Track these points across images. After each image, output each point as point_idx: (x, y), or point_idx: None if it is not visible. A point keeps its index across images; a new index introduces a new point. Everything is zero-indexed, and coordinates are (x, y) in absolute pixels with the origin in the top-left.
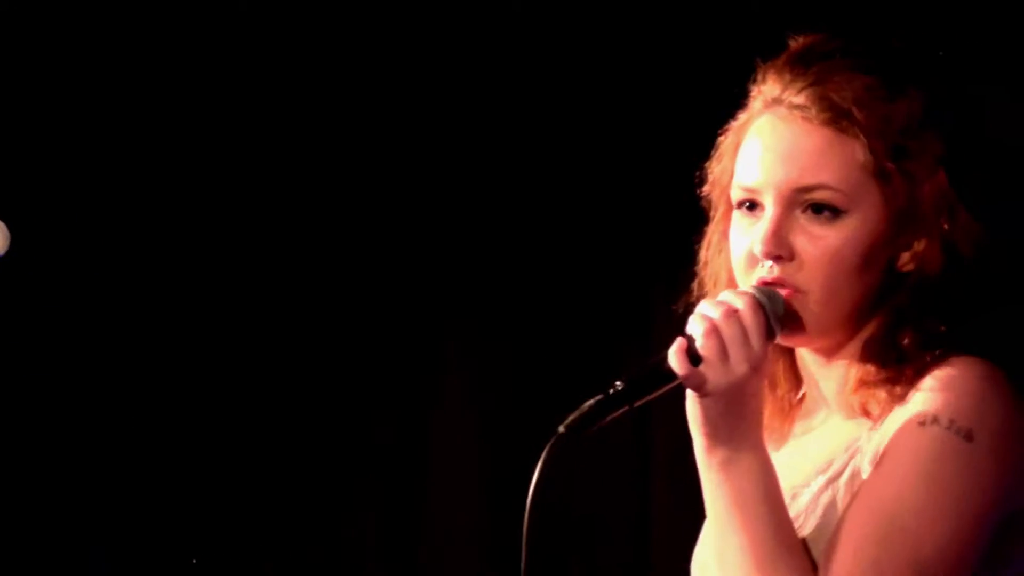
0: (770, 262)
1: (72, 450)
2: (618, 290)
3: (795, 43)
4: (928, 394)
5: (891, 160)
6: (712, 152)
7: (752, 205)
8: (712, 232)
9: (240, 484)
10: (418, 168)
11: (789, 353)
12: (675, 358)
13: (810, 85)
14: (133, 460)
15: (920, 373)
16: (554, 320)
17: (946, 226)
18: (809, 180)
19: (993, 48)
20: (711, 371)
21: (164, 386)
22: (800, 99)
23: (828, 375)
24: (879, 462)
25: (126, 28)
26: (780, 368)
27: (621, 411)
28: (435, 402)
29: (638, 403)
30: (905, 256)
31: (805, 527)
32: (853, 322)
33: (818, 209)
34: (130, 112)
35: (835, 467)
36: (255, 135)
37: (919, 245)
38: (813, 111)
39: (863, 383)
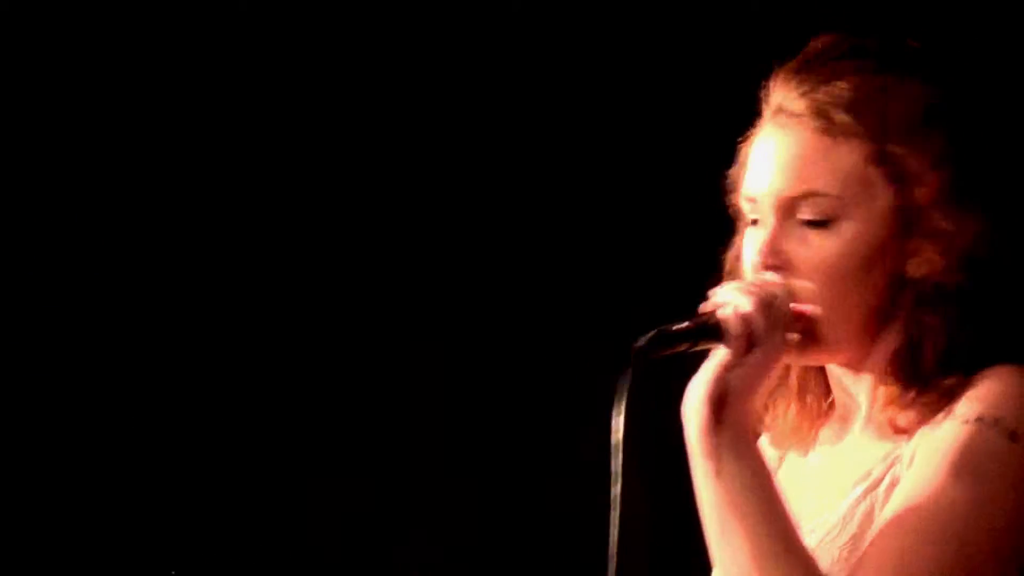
0: (771, 273)
1: (48, 451)
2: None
3: (808, 46)
4: (968, 399)
5: (885, 163)
6: (734, 160)
7: (757, 215)
8: (738, 240)
9: (218, 490)
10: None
11: None
12: (734, 319)
13: (808, 92)
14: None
15: (953, 390)
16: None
17: (951, 228)
18: (800, 189)
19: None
20: (757, 346)
21: (143, 392)
22: (797, 106)
23: (858, 386)
24: (919, 460)
25: (120, 26)
26: (811, 375)
27: (684, 347)
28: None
29: (696, 348)
30: (913, 262)
31: (841, 536)
32: (870, 330)
33: (813, 217)
34: (120, 112)
35: (874, 476)
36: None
37: (924, 250)
38: (807, 117)
39: (891, 402)
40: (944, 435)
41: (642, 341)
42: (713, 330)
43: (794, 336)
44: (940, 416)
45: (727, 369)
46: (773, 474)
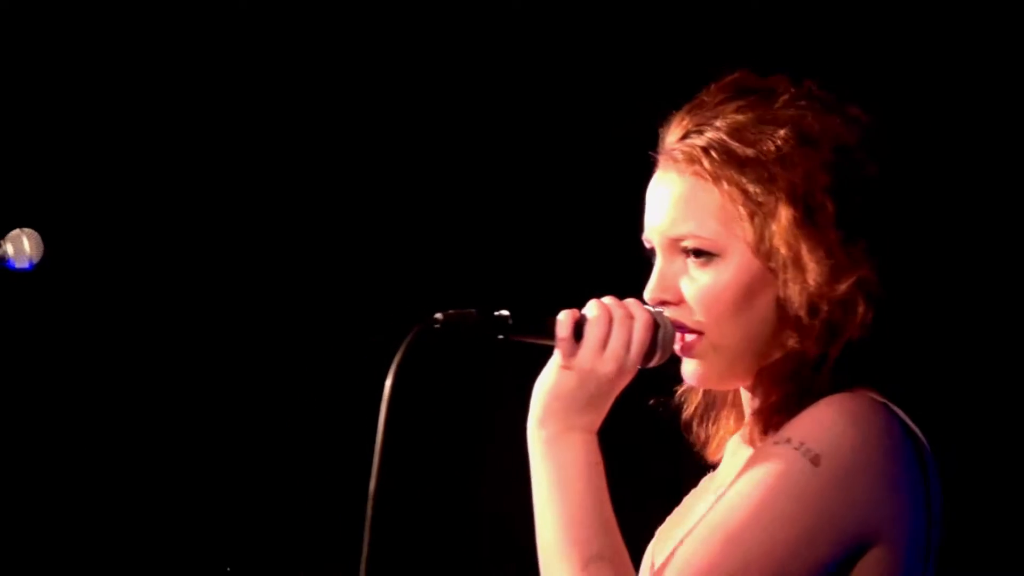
0: (659, 307)
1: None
2: None
3: (704, 88)
4: (791, 423)
5: (742, 204)
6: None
7: (654, 251)
8: None
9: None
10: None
11: None
12: (563, 320)
13: (687, 134)
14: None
15: (800, 407)
16: None
17: (792, 263)
18: (678, 230)
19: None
20: (584, 351)
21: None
22: (676, 148)
23: (748, 404)
24: (739, 473)
25: (120, 26)
26: (731, 390)
27: (494, 335)
28: None
29: (512, 338)
30: (781, 292)
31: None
32: (757, 356)
33: (696, 254)
34: (120, 112)
35: (724, 488)
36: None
37: (781, 280)
38: (683, 163)
39: (754, 415)
40: (759, 453)
41: (439, 315)
42: (542, 325)
43: (652, 358)
44: (770, 436)
45: (558, 368)
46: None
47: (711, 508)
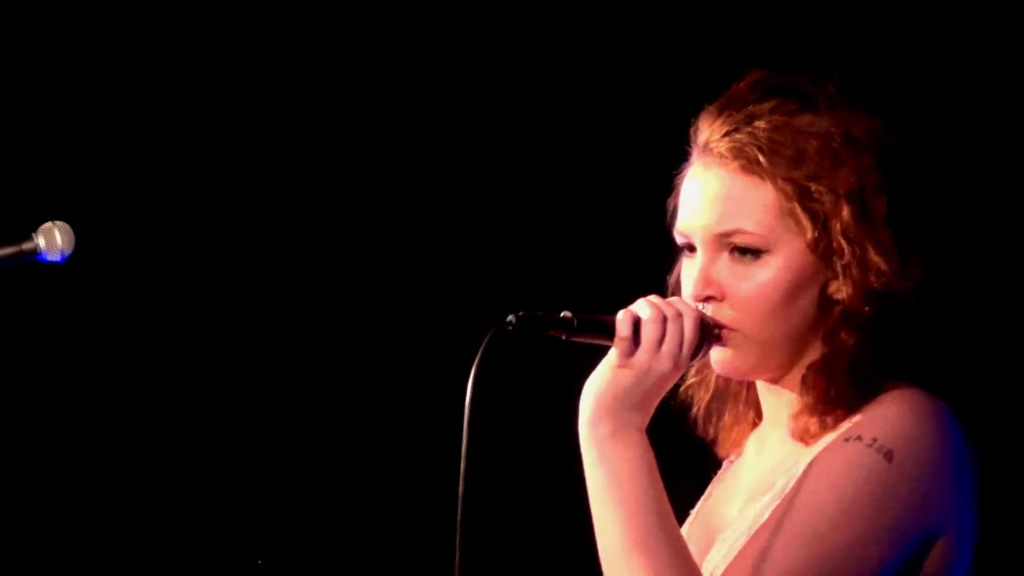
0: (700, 303)
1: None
2: None
3: (733, 85)
4: (859, 418)
5: (798, 200)
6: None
7: (691, 248)
8: (679, 265)
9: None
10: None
11: None
12: (624, 320)
13: (731, 131)
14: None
15: (856, 404)
16: None
17: (861, 258)
18: (726, 226)
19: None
20: (642, 351)
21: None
22: (721, 146)
23: (778, 399)
24: (805, 471)
25: (120, 26)
26: (743, 385)
27: (558, 334)
28: None
29: (573, 338)
30: (834, 285)
31: (739, 542)
32: (793, 350)
33: (741, 251)
34: (120, 112)
35: (777, 486)
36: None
37: (840, 277)
38: (729, 157)
39: (801, 414)
40: (830, 450)
41: (511, 317)
42: (601, 325)
43: (697, 354)
44: (834, 433)
45: (613, 367)
46: (720, 477)
47: (778, 508)
